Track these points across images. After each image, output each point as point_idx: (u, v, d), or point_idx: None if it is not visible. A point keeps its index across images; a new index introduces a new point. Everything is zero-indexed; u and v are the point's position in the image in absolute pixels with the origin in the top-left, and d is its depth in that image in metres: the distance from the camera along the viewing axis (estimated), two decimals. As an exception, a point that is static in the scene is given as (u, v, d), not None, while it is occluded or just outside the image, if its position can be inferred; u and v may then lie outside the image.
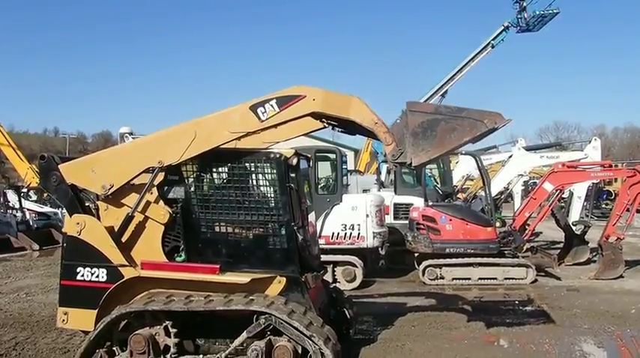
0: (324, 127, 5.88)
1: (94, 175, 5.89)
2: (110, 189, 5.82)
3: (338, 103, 5.58)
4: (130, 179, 5.82)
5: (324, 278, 7.14)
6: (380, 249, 11.08)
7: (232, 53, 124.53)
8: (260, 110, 5.62)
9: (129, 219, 5.79)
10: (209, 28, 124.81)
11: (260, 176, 5.95)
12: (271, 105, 5.61)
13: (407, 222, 12.10)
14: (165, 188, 5.88)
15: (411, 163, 5.34)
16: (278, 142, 5.88)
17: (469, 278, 10.90)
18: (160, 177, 5.82)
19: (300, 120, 5.71)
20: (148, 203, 5.83)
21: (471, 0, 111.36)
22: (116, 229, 5.85)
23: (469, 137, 5.26)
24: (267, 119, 5.62)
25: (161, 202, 5.85)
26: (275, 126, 5.69)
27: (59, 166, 5.96)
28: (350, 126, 5.92)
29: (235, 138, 5.69)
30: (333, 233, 10.68)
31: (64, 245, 5.99)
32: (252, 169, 5.94)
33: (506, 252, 11.28)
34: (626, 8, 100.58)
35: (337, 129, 6.06)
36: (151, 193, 5.80)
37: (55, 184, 5.97)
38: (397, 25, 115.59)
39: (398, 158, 5.41)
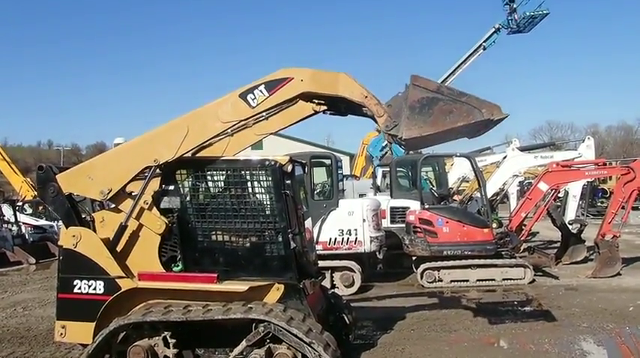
0: (316, 113, 5.87)
1: (91, 181, 5.87)
2: (109, 193, 5.80)
3: (326, 81, 5.61)
4: (127, 181, 5.81)
5: (323, 283, 7.13)
6: (377, 253, 11.07)
7: (228, 54, 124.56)
8: (250, 97, 5.64)
9: (123, 228, 5.78)
10: (202, 37, 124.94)
11: (255, 183, 5.96)
12: (260, 91, 5.64)
13: (404, 225, 12.10)
14: (161, 198, 5.88)
15: (402, 136, 5.34)
16: (271, 134, 5.93)
17: (467, 280, 10.91)
18: (156, 182, 5.82)
19: (290, 108, 5.75)
20: (145, 213, 5.81)
21: (461, 2, 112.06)
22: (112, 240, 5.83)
23: (464, 122, 5.27)
24: (257, 105, 5.65)
25: (157, 212, 5.84)
26: (267, 117, 5.73)
27: (56, 176, 5.94)
28: (340, 106, 5.93)
29: (228, 129, 5.71)
30: (330, 238, 10.66)
31: (61, 258, 5.98)
32: (248, 177, 5.95)
33: (503, 252, 11.29)
34: (617, 7, 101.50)
35: (328, 112, 6.02)
36: (147, 203, 5.79)
37: (52, 195, 5.96)
38: (387, 29, 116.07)
39: (391, 129, 5.43)
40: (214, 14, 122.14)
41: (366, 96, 5.53)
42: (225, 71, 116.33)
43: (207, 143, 5.79)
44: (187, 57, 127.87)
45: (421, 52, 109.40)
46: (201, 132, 5.72)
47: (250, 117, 5.70)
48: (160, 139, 5.83)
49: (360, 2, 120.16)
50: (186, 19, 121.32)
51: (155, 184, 5.83)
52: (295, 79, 5.60)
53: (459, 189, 19.89)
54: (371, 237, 10.70)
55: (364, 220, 10.68)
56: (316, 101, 5.81)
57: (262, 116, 5.74)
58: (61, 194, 5.92)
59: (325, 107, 5.88)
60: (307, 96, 5.72)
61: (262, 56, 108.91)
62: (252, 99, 5.64)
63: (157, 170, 5.80)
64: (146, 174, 5.77)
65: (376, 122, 5.67)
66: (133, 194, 5.86)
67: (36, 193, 24.41)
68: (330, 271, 10.40)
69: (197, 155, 5.87)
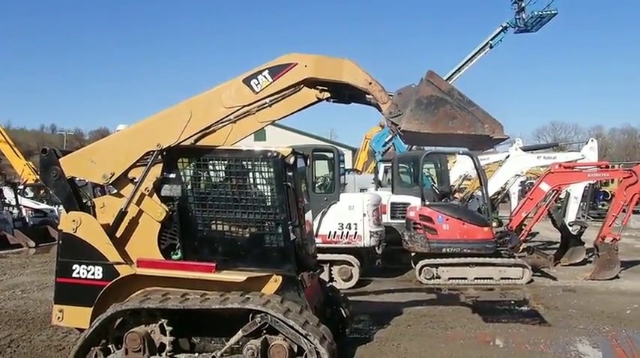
0: (319, 100, 5.83)
1: (94, 165, 5.86)
2: (111, 177, 5.79)
3: (330, 67, 5.57)
4: (130, 165, 5.79)
5: (321, 277, 7.14)
6: (377, 248, 11.08)
7: (229, 51, 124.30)
8: (253, 82, 5.62)
9: (123, 214, 5.77)
10: (204, 33, 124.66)
11: (257, 174, 5.94)
12: (264, 76, 5.60)
13: (404, 221, 12.09)
14: (162, 185, 5.87)
15: (401, 127, 5.30)
16: (274, 121, 5.90)
17: (465, 278, 10.91)
18: (158, 169, 5.81)
19: (294, 95, 5.72)
20: (145, 199, 5.80)
21: (467, 3, 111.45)
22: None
23: (463, 131, 5.20)
24: (261, 90, 5.62)
25: (158, 199, 5.83)
26: (270, 104, 5.70)
27: (59, 160, 5.93)
28: (344, 93, 5.88)
29: (231, 115, 5.69)
30: (330, 232, 10.67)
31: (60, 242, 5.97)
32: (250, 167, 5.93)
33: (502, 252, 11.28)
34: (624, 9, 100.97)
35: (332, 100, 5.96)
36: (147, 190, 5.78)
37: (54, 179, 5.94)
38: (393, 28, 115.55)
39: (394, 117, 5.39)
40: (218, 11, 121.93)
41: (370, 83, 5.50)
42: (227, 67, 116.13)
43: (211, 129, 5.77)
44: (189, 52, 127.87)
45: (424, 53, 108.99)
46: (205, 117, 5.69)
47: (254, 102, 5.67)
48: (162, 124, 5.80)
49: (362, 4, 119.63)
50: (190, 14, 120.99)
51: (157, 171, 5.81)
52: (299, 65, 5.57)
53: (461, 186, 19.87)
54: (371, 231, 10.71)
55: (364, 215, 10.67)
56: (320, 88, 5.78)
57: (265, 103, 5.72)
58: (63, 178, 5.91)
59: (329, 94, 5.84)
60: (311, 83, 5.69)
61: (262, 56, 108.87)
62: (256, 85, 5.61)
63: (159, 156, 5.79)
64: (148, 160, 5.76)
65: (379, 110, 5.63)
66: (135, 180, 5.84)
67: (37, 177, 24.49)
68: (328, 264, 10.41)
69: (199, 143, 5.86)
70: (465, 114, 5.23)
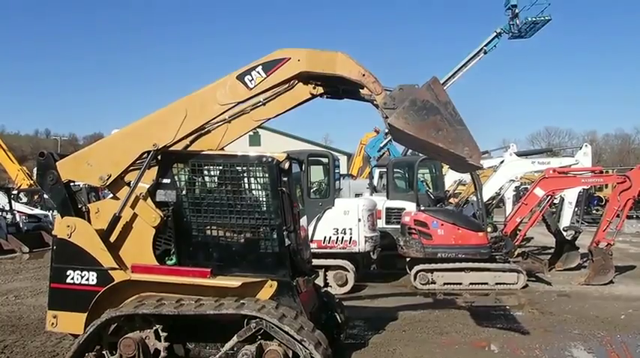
0: (313, 97, 5.83)
1: (90, 168, 5.85)
2: (108, 179, 5.79)
3: (323, 60, 5.58)
4: (126, 166, 5.79)
5: (316, 282, 7.13)
6: (372, 253, 11.09)
7: (225, 50, 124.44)
8: (247, 78, 5.63)
9: (118, 219, 5.76)
10: (202, 28, 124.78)
11: (252, 180, 5.95)
12: (257, 72, 5.62)
13: (399, 226, 12.10)
14: (157, 190, 5.86)
15: (389, 121, 5.32)
16: (269, 119, 5.90)
17: (460, 283, 10.92)
18: (153, 172, 5.80)
19: (288, 93, 5.73)
20: (140, 203, 5.79)
21: (463, 6, 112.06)
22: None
23: (443, 146, 5.19)
24: (255, 86, 5.63)
25: (152, 204, 5.82)
26: (264, 103, 5.71)
27: (56, 164, 5.91)
28: (338, 88, 5.89)
29: (225, 114, 5.70)
30: (325, 237, 10.67)
31: (54, 247, 5.96)
32: (245, 173, 5.93)
33: (497, 257, 11.30)
34: (617, 15, 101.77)
35: (326, 95, 5.96)
36: (142, 194, 5.77)
37: (51, 183, 5.93)
38: (387, 34, 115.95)
39: (388, 109, 5.39)
40: (216, 14, 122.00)
41: (364, 75, 5.50)
42: (225, 68, 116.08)
43: (206, 129, 5.78)
44: (186, 58, 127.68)
45: (420, 59, 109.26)
46: (200, 115, 5.70)
47: (248, 98, 5.67)
48: (158, 123, 5.81)
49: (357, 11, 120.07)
50: (186, 15, 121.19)
51: (152, 173, 5.81)
52: (292, 59, 5.58)
53: (455, 191, 19.91)
54: (366, 237, 10.72)
55: (359, 220, 10.68)
56: (313, 83, 5.78)
57: (260, 101, 5.73)
58: (60, 182, 5.89)
59: (322, 90, 5.84)
60: (305, 78, 5.70)
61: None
62: (250, 81, 5.62)
63: (155, 159, 5.78)
64: (144, 162, 5.73)
65: (374, 104, 5.62)
66: (131, 184, 5.83)
67: (32, 182, 24.44)
68: (323, 270, 10.39)
69: (194, 148, 5.86)
70: (452, 130, 5.23)
